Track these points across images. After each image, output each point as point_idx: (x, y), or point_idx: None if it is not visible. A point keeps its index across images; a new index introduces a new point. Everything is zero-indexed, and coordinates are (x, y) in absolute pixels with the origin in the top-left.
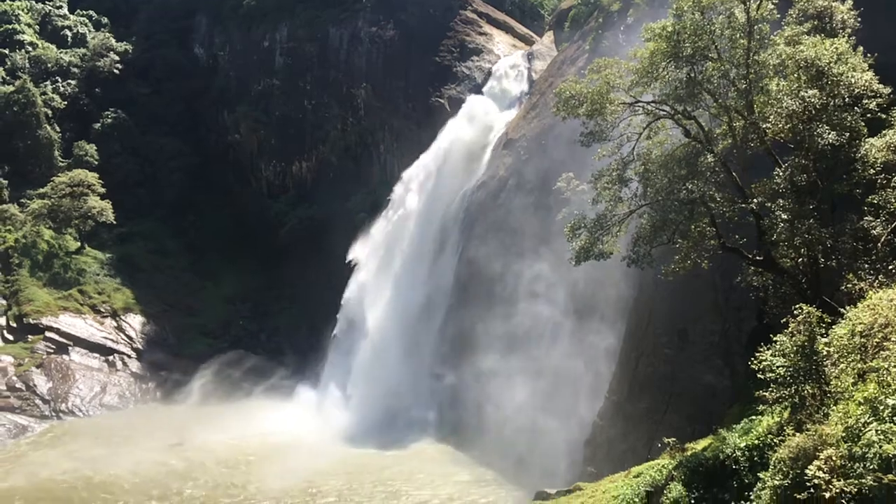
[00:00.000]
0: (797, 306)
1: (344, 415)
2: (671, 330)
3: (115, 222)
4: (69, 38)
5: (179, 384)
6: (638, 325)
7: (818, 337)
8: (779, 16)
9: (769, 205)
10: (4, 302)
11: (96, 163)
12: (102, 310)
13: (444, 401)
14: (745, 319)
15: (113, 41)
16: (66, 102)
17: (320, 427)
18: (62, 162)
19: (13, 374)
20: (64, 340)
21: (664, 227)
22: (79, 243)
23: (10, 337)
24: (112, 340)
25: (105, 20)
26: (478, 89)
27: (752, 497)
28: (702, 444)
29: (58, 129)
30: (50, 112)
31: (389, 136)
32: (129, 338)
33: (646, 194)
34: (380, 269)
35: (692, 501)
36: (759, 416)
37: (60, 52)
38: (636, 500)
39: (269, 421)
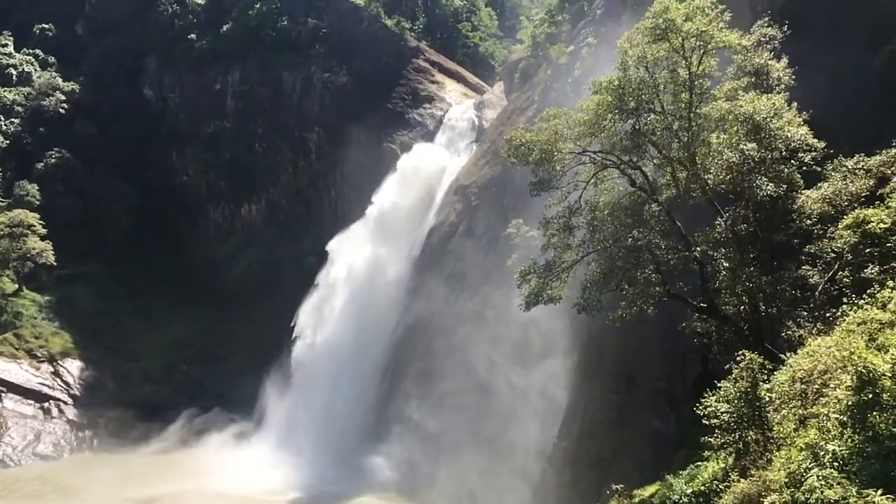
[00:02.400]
0: (740, 353)
1: (289, 465)
2: (619, 376)
3: (55, 264)
4: (14, 77)
5: (117, 432)
6: (587, 371)
7: (760, 383)
8: (719, 72)
9: (712, 253)
10: None
11: (38, 203)
12: (39, 354)
13: (393, 447)
14: (690, 365)
15: (59, 81)
16: (8, 141)
17: (264, 477)
18: (1, 202)
19: None
20: None
21: (612, 273)
22: (16, 285)
23: None
24: (48, 386)
25: (52, 59)
26: (430, 136)
27: None
28: (649, 490)
29: None
30: None
31: (341, 179)
32: (67, 384)
33: (593, 241)
34: (325, 318)
35: None
36: (705, 462)
37: (4, 91)
38: None
39: (212, 472)
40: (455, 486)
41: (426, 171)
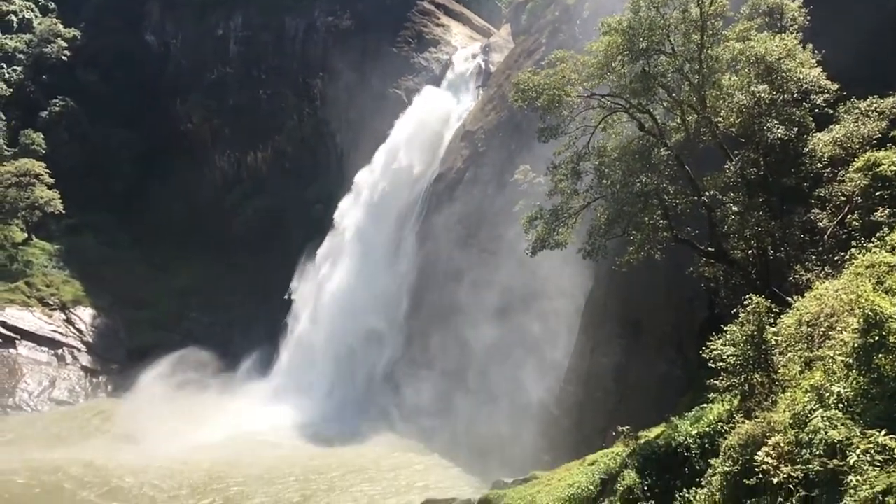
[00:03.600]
0: (747, 297)
1: (301, 408)
2: (625, 320)
3: (63, 212)
4: (14, 24)
5: (131, 378)
6: (593, 316)
7: (767, 327)
8: (731, 12)
9: (720, 197)
10: None
11: (43, 152)
12: (51, 302)
13: (402, 393)
14: (697, 310)
15: (61, 27)
16: (11, 90)
17: (277, 421)
18: (7, 151)
19: None
20: (10, 334)
21: (618, 219)
22: (25, 234)
23: None
24: (61, 334)
25: (52, 5)
26: (436, 80)
27: (703, 483)
28: (654, 432)
29: (2, 116)
30: None
31: (346, 126)
32: (79, 331)
33: (601, 186)
34: (336, 262)
35: (645, 488)
36: (710, 405)
37: (5, 38)
38: (591, 487)
39: (224, 415)
40: (465, 429)
41: (432, 117)
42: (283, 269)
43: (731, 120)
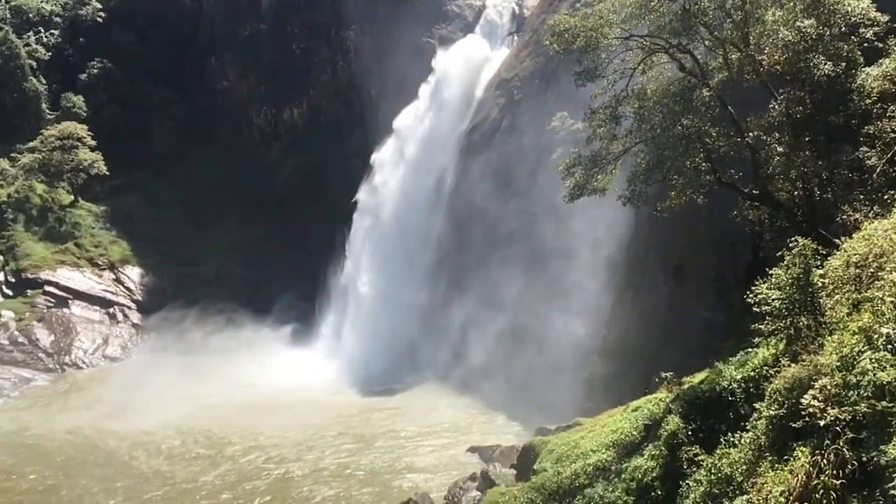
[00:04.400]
0: (793, 239)
1: (347, 360)
2: (667, 267)
3: (107, 174)
4: None
5: (180, 334)
6: (634, 263)
7: (813, 269)
8: None
9: (765, 138)
10: (1, 257)
11: (84, 114)
12: (100, 262)
13: (446, 342)
14: (741, 254)
15: None
16: (50, 53)
17: (324, 373)
18: (50, 114)
19: (15, 329)
20: (63, 294)
21: (659, 163)
22: (72, 197)
23: (9, 292)
24: (111, 293)
25: None
26: (469, 28)
27: (747, 427)
28: (698, 377)
29: (43, 80)
30: (34, 63)
31: (380, 78)
32: (129, 290)
33: (640, 130)
34: (378, 215)
35: (689, 433)
36: (755, 349)
37: (41, 2)
38: (634, 433)
39: (272, 368)
40: (508, 377)
41: (466, 66)
42: (322, 224)
43: (776, 57)
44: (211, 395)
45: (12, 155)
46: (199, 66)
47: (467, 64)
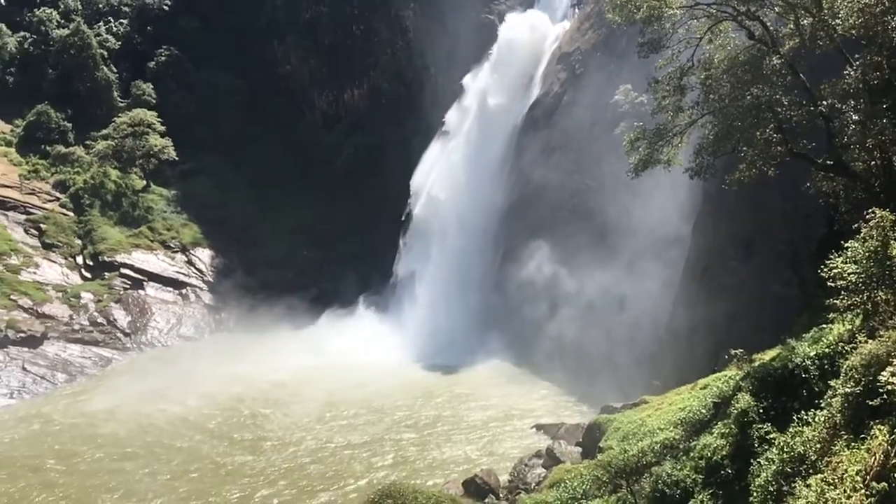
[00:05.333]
0: (869, 211)
1: (410, 339)
2: (737, 240)
3: (177, 159)
4: None
5: (250, 314)
6: (703, 238)
7: (892, 242)
8: None
9: (839, 106)
10: (80, 241)
11: (154, 101)
12: (172, 245)
13: (509, 321)
14: (815, 227)
15: None
16: (119, 42)
17: (388, 352)
18: (121, 102)
19: (94, 310)
20: (138, 276)
21: (728, 135)
22: (144, 182)
23: (88, 275)
24: (184, 274)
25: None
26: (528, 2)
27: (822, 405)
28: (770, 354)
29: (114, 69)
30: (105, 53)
31: (439, 57)
32: (200, 271)
33: (708, 102)
34: (440, 194)
35: (760, 411)
36: (830, 325)
37: None
38: (703, 411)
39: (337, 346)
40: (574, 356)
41: (526, 41)
42: (385, 205)
43: (852, 21)
44: (280, 371)
45: (87, 143)
46: (262, 51)
47: (528, 39)
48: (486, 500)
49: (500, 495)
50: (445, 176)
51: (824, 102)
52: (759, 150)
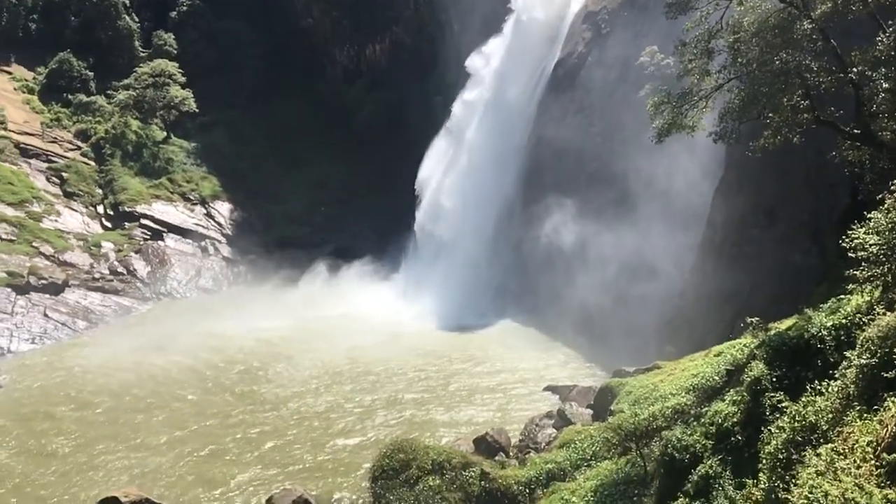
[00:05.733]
0: (895, 182)
1: (427, 297)
2: (758, 208)
3: (197, 111)
4: None
5: (268, 267)
6: (724, 205)
7: None
8: None
9: (870, 73)
10: (100, 191)
11: (175, 52)
12: (192, 197)
13: (526, 283)
14: (838, 197)
15: None
16: None
17: (403, 309)
18: (143, 52)
19: (114, 259)
20: (158, 227)
21: (754, 100)
22: (164, 133)
23: (108, 224)
24: (203, 227)
25: None
26: None
27: (836, 376)
28: (786, 323)
29: (136, 18)
30: (127, 1)
31: (463, 13)
32: (219, 224)
33: (735, 65)
34: (454, 153)
35: (774, 379)
36: (848, 296)
37: None
38: (716, 377)
39: (355, 303)
40: (587, 318)
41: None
42: (404, 162)
43: None
44: (293, 327)
45: (108, 92)
46: (284, 3)
47: None
48: (497, 458)
49: (511, 453)
50: (463, 135)
51: (854, 69)
52: (785, 117)
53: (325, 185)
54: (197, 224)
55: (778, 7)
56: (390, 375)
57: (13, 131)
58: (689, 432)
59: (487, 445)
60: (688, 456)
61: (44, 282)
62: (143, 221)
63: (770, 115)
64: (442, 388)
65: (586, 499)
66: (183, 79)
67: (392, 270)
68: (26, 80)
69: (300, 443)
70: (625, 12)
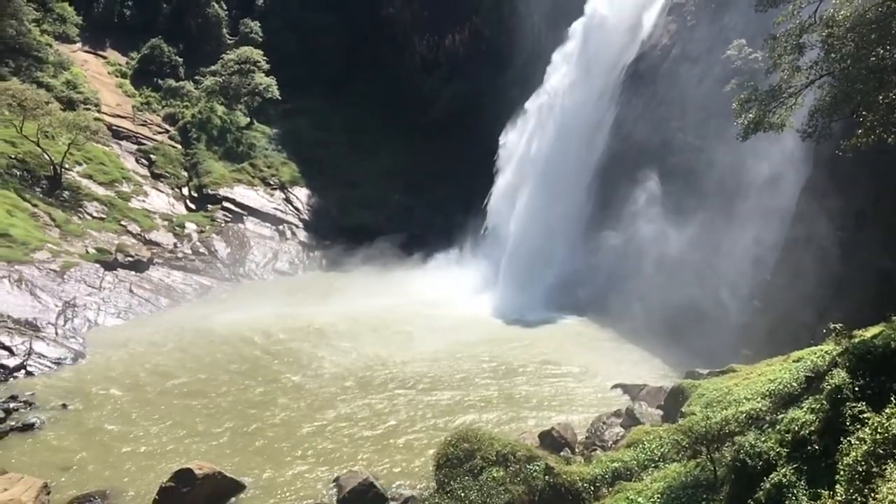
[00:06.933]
0: None
1: (494, 289)
2: (846, 211)
3: (280, 98)
4: None
5: (342, 253)
6: (809, 205)
7: None
8: None
9: None
10: (186, 173)
11: (260, 39)
12: (271, 182)
13: (594, 278)
14: None
15: None
16: None
17: (472, 301)
18: (229, 39)
19: (196, 240)
20: (239, 210)
21: (847, 98)
22: (248, 119)
23: (192, 206)
24: (281, 211)
25: None
26: None
27: None
28: (872, 331)
29: (224, 6)
30: None
31: (544, 3)
32: (297, 209)
33: (828, 61)
34: (530, 147)
35: (856, 389)
36: None
37: None
38: (794, 384)
39: (423, 292)
40: (661, 318)
41: None
42: (478, 153)
43: None
44: (363, 312)
45: (196, 78)
46: None
47: None
48: (562, 454)
49: (576, 450)
50: (540, 128)
51: None
52: (880, 115)
53: (400, 174)
54: (276, 208)
55: (876, 1)
56: (455, 366)
57: (106, 114)
58: (763, 438)
59: (553, 440)
60: (761, 463)
61: (130, 259)
62: (225, 204)
63: (864, 113)
64: (507, 380)
65: (653, 500)
66: (267, 66)
67: (461, 262)
68: (119, 65)
69: (368, 426)
70: (713, 4)
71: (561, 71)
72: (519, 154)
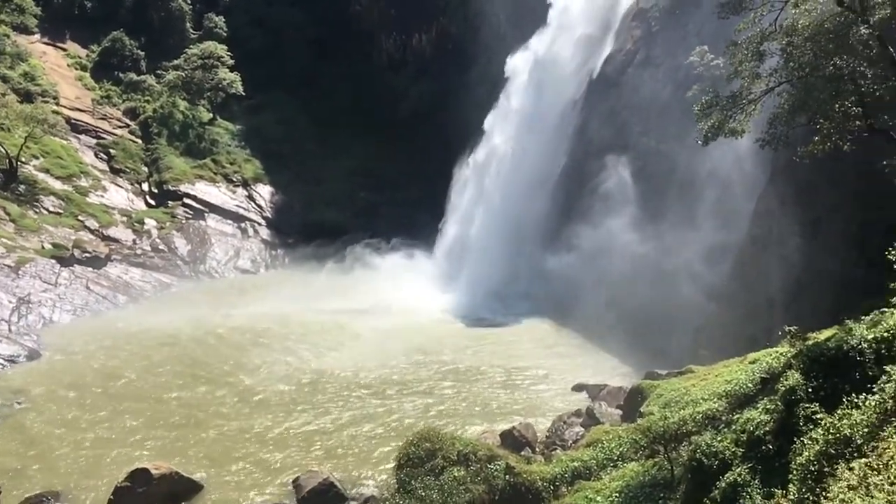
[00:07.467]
0: None
1: (458, 290)
2: (804, 217)
3: (244, 94)
4: None
5: (306, 252)
6: (766, 211)
7: None
8: None
9: None
10: (146, 169)
11: (225, 34)
12: (234, 179)
13: (554, 279)
14: (888, 208)
15: None
16: None
17: (435, 302)
18: (193, 34)
19: (156, 236)
20: (200, 207)
21: (805, 105)
22: (211, 114)
23: (152, 202)
24: (244, 208)
25: None
26: None
27: (874, 389)
28: (825, 334)
29: (188, 0)
30: None
31: (509, 4)
32: (259, 206)
33: (787, 69)
34: (492, 148)
35: (809, 390)
36: (892, 309)
37: None
38: (750, 385)
39: (386, 291)
40: (620, 319)
41: None
42: (444, 153)
43: None
44: (324, 311)
45: (158, 72)
46: None
47: None
48: (523, 453)
49: (537, 449)
50: (501, 131)
51: None
52: (836, 123)
53: (366, 172)
54: (238, 205)
55: (835, 11)
56: (416, 366)
57: (65, 107)
58: (719, 438)
59: (514, 440)
60: (717, 462)
61: (87, 255)
62: (186, 201)
63: (821, 120)
64: (469, 381)
65: (611, 499)
66: (231, 62)
67: (425, 260)
68: (79, 58)
69: (325, 428)
70: (676, 11)
71: (524, 76)
72: (483, 155)
